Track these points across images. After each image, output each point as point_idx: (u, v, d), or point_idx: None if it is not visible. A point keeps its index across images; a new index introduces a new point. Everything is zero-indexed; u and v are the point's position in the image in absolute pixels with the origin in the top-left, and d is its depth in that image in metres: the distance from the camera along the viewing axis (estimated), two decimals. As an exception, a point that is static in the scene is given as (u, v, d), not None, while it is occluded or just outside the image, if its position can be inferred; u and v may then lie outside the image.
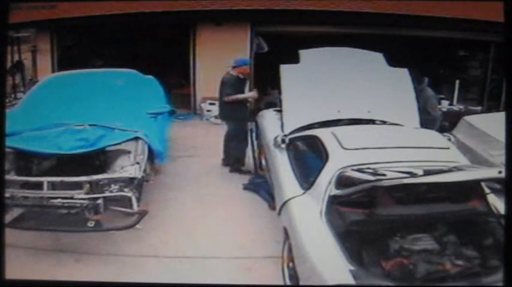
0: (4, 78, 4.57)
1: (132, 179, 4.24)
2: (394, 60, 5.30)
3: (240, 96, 5.68)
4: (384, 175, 3.53)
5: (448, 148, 4.15)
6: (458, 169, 3.65)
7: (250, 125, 5.95)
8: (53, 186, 4.18)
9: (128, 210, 4.22)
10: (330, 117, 4.74)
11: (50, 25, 7.20)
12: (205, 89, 7.83)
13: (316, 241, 3.46)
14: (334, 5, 6.19)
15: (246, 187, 5.36)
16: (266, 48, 7.77)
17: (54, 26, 7.48)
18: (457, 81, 7.35)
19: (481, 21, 5.72)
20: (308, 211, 3.73)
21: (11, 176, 4.20)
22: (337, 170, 3.75)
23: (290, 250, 3.73)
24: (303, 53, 5.19)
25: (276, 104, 6.30)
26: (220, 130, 6.09)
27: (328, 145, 4.10)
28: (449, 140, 4.47)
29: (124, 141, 4.48)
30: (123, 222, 4.20)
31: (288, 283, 3.81)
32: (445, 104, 7.15)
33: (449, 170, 3.58)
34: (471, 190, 3.76)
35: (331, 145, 4.09)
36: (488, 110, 7.63)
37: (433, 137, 4.49)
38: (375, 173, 3.57)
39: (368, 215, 3.61)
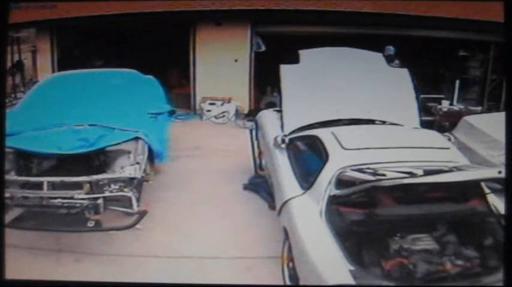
0: (4, 78, 4.57)
1: (132, 179, 4.24)
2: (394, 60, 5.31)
3: None
4: (383, 175, 3.53)
5: (448, 148, 4.14)
6: (458, 169, 3.65)
7: (251, 125, 5.95)
8: (53, 186, 4.18)
9: (128, 210, 4.22)
10: (329, 117, 4.73)
11: (50, 25, 7.21)
12: (205, 89, 7.85)
13: (316, 241, 3.46)
14: (334, 5, 6.19)
15: (246, 187, 5.36)
16: (263, 48, 7.80)
17: (54, 26, 7.49)
18: (457, 81, 7.36)
19: (481, 21, 5.72)
20: (308, 211, 3.73)
21: (11, 176, 4.19)
22: (337, 170, 3.74)
23: (290, 250, 3.73)
24: (303, 53, 5.19)
25: (276, 104, 6.31)
26: (220, 130, 6.09)
27: (328, 145, 4.09)
28: (449, 140, 4.46)
29: (124, 142, 4.47)
30: (123, 222, 4.20)
31: (288, 283, 3.81)
32: (445, 104, 7.16)
33: (449, 170, 3.58)
34: (471, 190, 3.75)
35: (331, 145, 4.08)
36: (488, 110, 7.65)
37: (433, 137, 4.48)
38: (374, 173, 3.57)
39: (368, 215, 3.60)
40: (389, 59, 5.55)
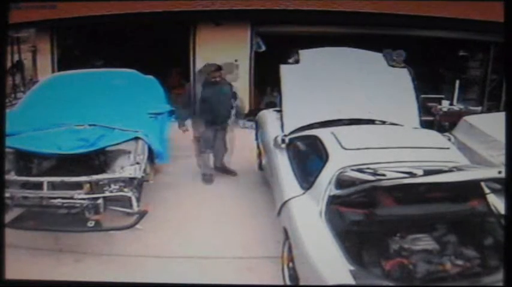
0: (4, 78, 4.57)
1: (132, 179, 4.24)
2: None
3: None
4: (383, 175, 3.52)
5: (448, 148, 4.14)
6: (458, 169, 3.65)
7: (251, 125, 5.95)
8: (53, 186, 4.18)
9: (128, 210, 4.22)
10: (330, 117, 4.73)
11: (50, 25, 7.20)
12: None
13: (316, 241, 3.46)
14: (334, 5, 6.19)
15: None
16: (264, 48, 7.79)
17: (54, 26, 7.48)
18: (457, 81, 7.35)
19: (481, 21, 5.72)
20: (308, 211, 3.73)
21: (11, 176, 4.19)
22: (337, 170, 3.75)
23: (290, 250, 3.73)
24: (303, 53, 5.19)
25: (276, 104, 6.30)
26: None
27: (328, 144, 4.09)
28: (449, 140, 4.46)
29: (124, 142, 4.48)
30: (123, 222, 4.20)
31: (288, 283, 3.81)
32: (445, 104, 7.15)
33: (449, 170, 3.58)
34: (471, 190, 3.75)
35: (331, 144, 4.08)
36: (488, 110, 7.64)
37: (433, 137, 4.48)
38: (374, 173, 3.57)
39: (368, 215, 3.61)
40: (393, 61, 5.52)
